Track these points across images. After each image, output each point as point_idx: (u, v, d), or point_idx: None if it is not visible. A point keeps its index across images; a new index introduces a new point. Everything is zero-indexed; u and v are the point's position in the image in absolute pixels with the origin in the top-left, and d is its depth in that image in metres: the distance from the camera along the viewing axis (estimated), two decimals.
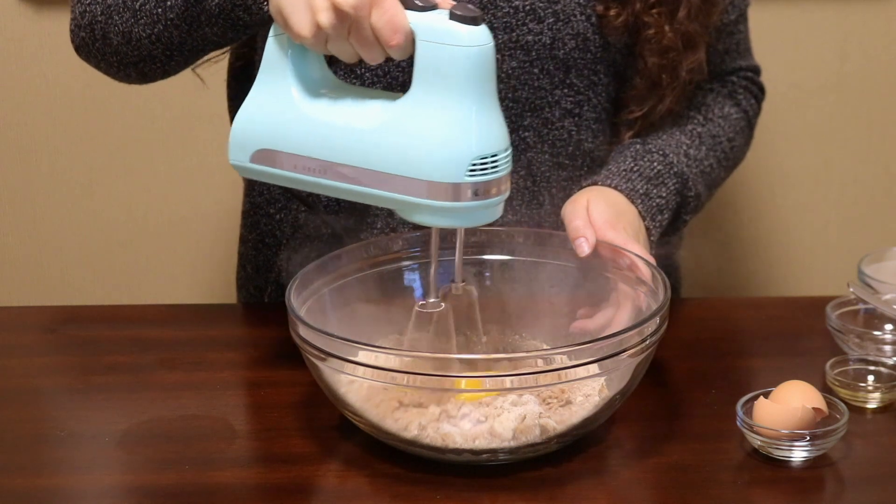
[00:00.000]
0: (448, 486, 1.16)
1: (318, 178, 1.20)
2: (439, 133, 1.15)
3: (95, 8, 1.37)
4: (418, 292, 1.34)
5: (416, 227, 1.41)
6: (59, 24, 1.99)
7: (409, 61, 1.16)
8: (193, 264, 2.10)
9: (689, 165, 1.46)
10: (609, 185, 1.41)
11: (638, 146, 1.46)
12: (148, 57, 1.37)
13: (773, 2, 2.00)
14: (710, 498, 1.16)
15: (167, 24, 1.33)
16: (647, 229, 1.40)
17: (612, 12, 1.43)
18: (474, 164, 1.15)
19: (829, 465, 1.19)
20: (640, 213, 1.40)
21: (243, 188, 1.59)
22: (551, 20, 1.43)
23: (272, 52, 1.21)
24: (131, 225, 2.08)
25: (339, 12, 1.14)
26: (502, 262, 1.35)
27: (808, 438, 1.18)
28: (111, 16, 1.36)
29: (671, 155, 1.45)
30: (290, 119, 1.20)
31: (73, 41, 1.42)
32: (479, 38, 1.14)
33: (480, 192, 1.16)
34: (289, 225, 1.51)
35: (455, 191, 1.15)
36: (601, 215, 1.33)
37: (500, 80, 1.43)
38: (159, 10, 1.33)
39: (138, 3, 1.34)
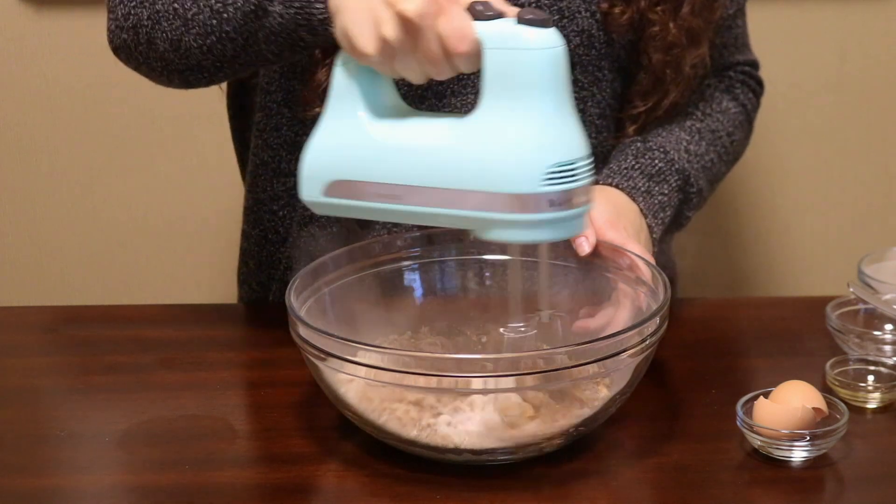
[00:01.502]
0: (448, 486, 1.16)
1: (395, 206, 1.16)
2: (513, 141, 1.11)
3: (141, 12, 1.34)
4: (418, 292, 1.34)
5: (418, 226, 1.41)
6: (59, 24, 2.00)
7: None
8: (193, 264, 2.10)
9: (690, 161, 1.47)
10: (610, 184, 1.41)
11: (638, 144, 1.46)
12: (196, 67, 1.34)
13: (773, 1, 2.00)
14: (710, 498, 1.16)
15: (221, 36, 1.30)
16: (649, 227, 1.40)
17: (617, 9, 1.43)
18: (551, 172, 1.10)
19: (829, 465, 1.19)
20: (641, 210, 1.40)
21: (245, 184, 1.58)
22: (556, 17, 1.43)
23: (340, 81, 1.18)
24: (131, 225, 2.08)
25: (404, 21, 1.11)
26: (502, 262, 1.35)
27: (808, 438, 1.18)
28: (159, 21, 1.33)
29: (672, 152, 1.46)
30: (364, 147, 1.16)
31: (111, 41, 1.39)
32: (551, 40, 1.11)
33: (559, 202, 1.11)
34: (292, 221, 1.51)
35: (531, 202, 1.11)
36: (601, 215, 1.33)
37: None
38: (214, 21, 1.30)
39: (191, 13, 1.31)
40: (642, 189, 1.42)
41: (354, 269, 1.31)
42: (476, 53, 1.12)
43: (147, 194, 2.07)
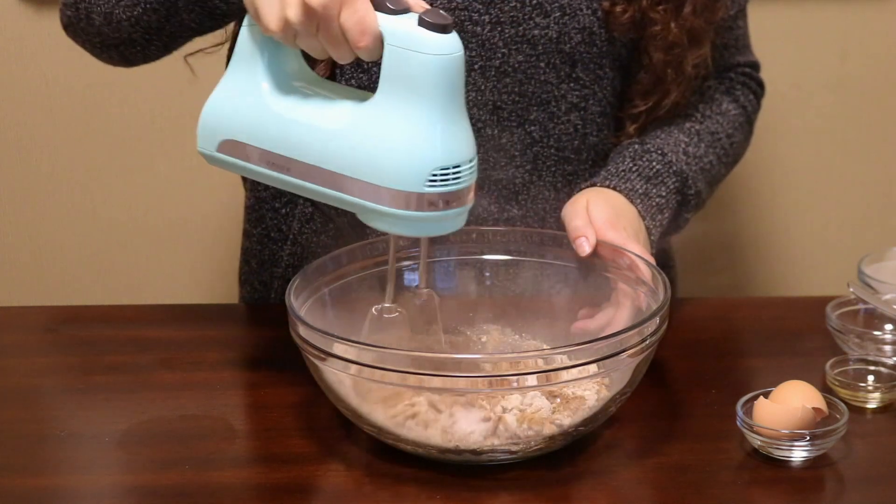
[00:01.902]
0: (448, 486, 1.16)
1: (281, 175, 1.19)
2: (401, 141, 1.14)
3: None
4: (412, 281, 1.34)
5: None
6: (59, 25, 1.99)
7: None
8: (194, 264, 2.10)
9: (689, 163, 1.47)
10: (608, 186, 1.41)
11: (636, 146, 1.46)
12: (128, 40, 1.38)
13: (773, 1, 2.00)
14: (710, 498, 1.16)
15: (146, 7, 1.34)
16: (648, 229, 1.40)
17: (619, 8, 1.44)
18: (434, 175, 1.13)
19: (829, 465, 1.19)
20: (639, 212, 1.40)
21: (246, 183, 1.58)
22: (557, 14, 1.43)
23: (245, 43, 1.20)
24: (131, 225, 2.08)
25: (307, 8, 1.13)
26: (502, 262, 1.35)
27: (808, 438, 1.18)
28: None
29: (670, 154, 1.46)
30: (258, 112, 1.19)
31: (61, 20, 1.43)
32: (448, 46, 1.12)
33: (441, 202, 1.14)
34: (295, 220, 1.51)
35: (416, 200, 1.14)
36: (601, 215, 1.33)
37: (506, 73, 1.43)
38: None
39: None
40: (640, 191, 1.42)
41: (354, 269, 1.31)
42: (377, 46, 1.14)
43: (147, 194, 2.07)
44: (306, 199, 1.49)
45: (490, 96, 1.44)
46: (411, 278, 1.33)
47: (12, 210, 2.07)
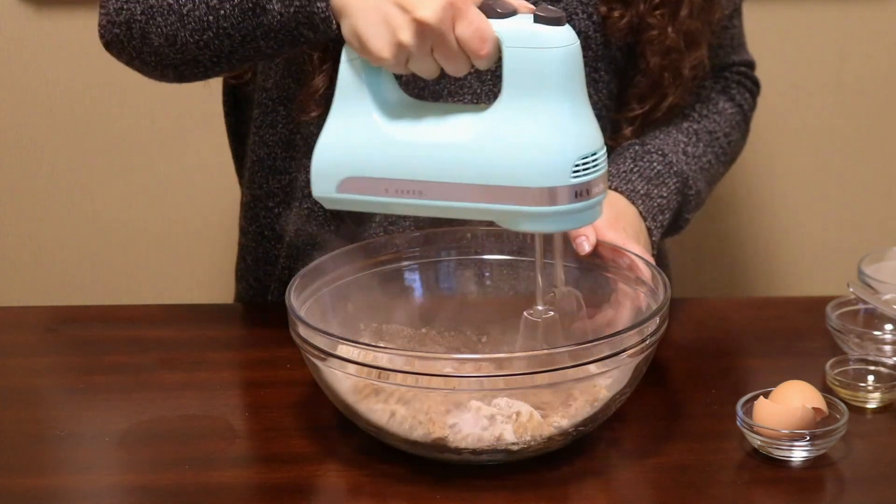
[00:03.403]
0: (448, 486, 1.16)
1: (414, 200, 1.18)
2: (540, 137, 1.14)
3: (135, 7, 1.32)
4: (418, 292, 1.34)
5: (417, 226, 1.41)
6: (59, 24, 2.00)
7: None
8: (193, 263, 2.10)
9: (689, 163, 1.47)
10: (609, 187, 1.41)
11: (637, 147, 1.46)
12: (192, 61, 1.33)
13: (772, 1, 2.00)
14: (710, 498, 1.16)
15: (218, 32, 1.29)
16: (649, 230, 1.40)
17: (616, 13, 1.43)
18: (577, 165, 1.14)
19: (829, 465, 1.19)
20: (640, 213, 1.40)
21: (243, 180, 1.58)
22: None
23: (346, 78, 1.18)
24: (131, 225, 2.08)
25: (422, 27, 1.12)
26: (502, 262, 1.35)
27: (808, 438, 1.18)
28: (153, 16, 1.31)
29: (670, 154, 1.46)
30: (377, 143, 1.18)
31: (102, 36, 1.37)
32: (566, 38, 1.13)
33: (581, 192, 1.15)
34: (289, 218, 1.51)
35: (559, 194, 1.14)
36: (601, 216, 1.33)
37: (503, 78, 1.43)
38: (211, 17, 1.28)
39: (186, 9, 1.29)
40: (641, 192, 1.42)
41: (354, 269, 1.31)
42: (495, 53, 1.14)
43: (147, 194, 2.07)
44: (304, 199, 1.49)
45: (486, 101, 1.44)
46: (411, 278, 1.33)
47: (12, 210, 2.07)
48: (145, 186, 2.07)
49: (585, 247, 1.30)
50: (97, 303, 2.03)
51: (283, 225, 1.52)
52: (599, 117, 1.48)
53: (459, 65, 1.15)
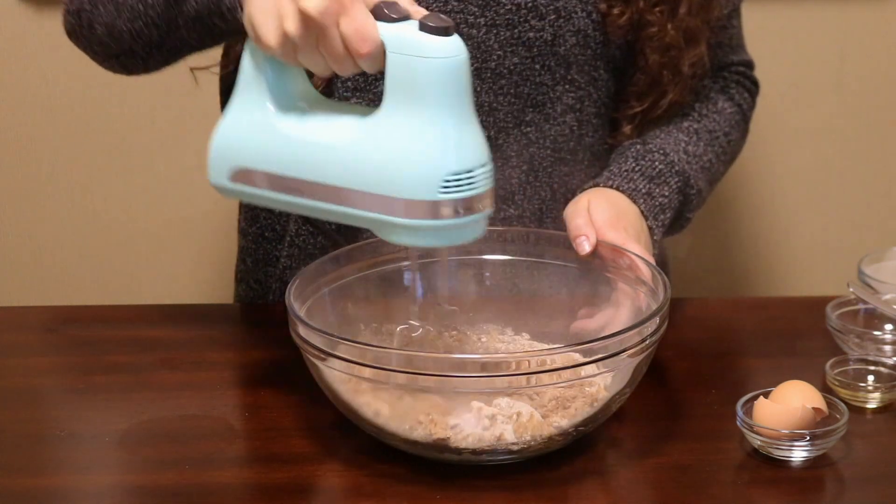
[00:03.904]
0: (448, 486, 1.16)
1: (295, 198, 1.17)
2: (411, 148, 1.12)
3: None
4: (419, 292, 1.34)
5: None
6: (59, 24, 1.98)
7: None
8: (194, 263, 2.10)
9: (690, 162, 1.47)
10: (610, 186, 1.41)
11: (638, 146, 1.46)
12: (129, 51, 1.37)
13: (773, 1, 2.00)
14: (710, 498, 1.16)
15: (147, 21, 1.33)
16: (650, 229, 1.40)
17: (616, 10, 1.44)
18: (448, 181, 1.11)
19: (829, 465, 1.19)
20: (642, 212, 1.40)
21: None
22: (553, 17, 1.43)
23: (248, 67, 1.18)
24: (131, 225, 2.08)
25: (305, 19, 1.11)
26: (502, 262, 1.35)
27: (808, 438, 1.18)
28: (97, 6, 1.36)
29: (672, 153, 1.46)
30: (266, 136, 1.17)
31: (64, 26, 1.43)
32: (451, 49, 1.10)
33: (458, 209, 1.12)
34: (289, 219, 1.51)
35: (431, 208, 1.11)
36: (602, 215, 1.33)
37: (502, 76, 1.43)
38: (140, 6, 1.33)
39: None
40: (643, 191, 1.42)
41: (354, 269, 1.31)
42: (379, 55, 1.12)
43: (146, 194, 2.07)
44: None
45: (486, 98, 1.44)
46: (411, 278, 1.33)
47: (12, 210, 2.07)
48: (145, 186, 2.07)
49: (585, 247, 1.30)
50: (97, 303, 2.03)
51: (284, 226, 1.52)
52: (599, 115, 1.50)
53: (344, 64, 1.13)
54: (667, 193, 1.44)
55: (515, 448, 1.16)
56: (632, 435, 1.24)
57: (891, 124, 2.08)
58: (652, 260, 1.31)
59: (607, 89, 1.49)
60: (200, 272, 2.10)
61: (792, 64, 2.03)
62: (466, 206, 1.12)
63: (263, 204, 1.21)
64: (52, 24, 1.99)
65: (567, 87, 1.46)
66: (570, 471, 1.18)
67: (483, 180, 1.13)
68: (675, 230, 1.50)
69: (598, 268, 1.31)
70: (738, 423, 1.20)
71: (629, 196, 1.41)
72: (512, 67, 1.44)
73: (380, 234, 1.16)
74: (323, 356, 1.17)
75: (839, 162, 2.09)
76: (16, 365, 1.41)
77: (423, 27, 1.10)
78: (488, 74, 1.43)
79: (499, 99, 1.44)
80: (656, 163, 1.44)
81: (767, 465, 1.19)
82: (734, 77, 1.59)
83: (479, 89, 1.43)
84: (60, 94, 2.02)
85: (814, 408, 1.19)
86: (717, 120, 1.53)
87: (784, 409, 1.18)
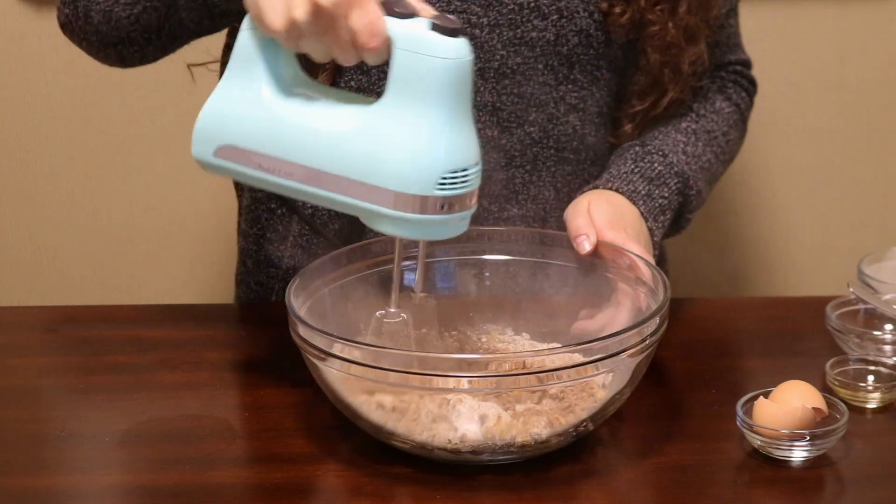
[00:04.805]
0: (448, 486, 1.16)
1: (282, 180, 1.18)
2: (410, 144, 1.13)
3: None
4: (405, 281, 1.33)
5: None
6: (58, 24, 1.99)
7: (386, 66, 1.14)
8: (194, 264, 2.10)
9: (689, 163, 1.47)
10: (610, 188, 1.41)
11: (637, 148, 1.46)
12: (126, 39, 1.37)
13: (773, 1, 2.00)
14: (710, 498, 1.16)
15: (145, 6, 1.33)
16: (650, 230, 1.40)
17: (617, 9, 1.44)
18: (444, 178, 1.13)
19: (829, 465, 1.19)
20: (642, 214, 1.40)
21: (240, 185, 1.58)
22: (555, 17, 1.43)
23: (244, 46, 1.19)
24: (131, 225, 2.08)
25: (316, 8, 1.12)
26: (502, 262, 1.35)
27: (808, 438, 1.18)
28: None
29: (671, 155, 1.46)
30: (259, 116, 1.18)
31: (58, 18, 1.42)
32: (458, 50, 1.12)
33: (448, 206, 1.14)
34: (291, 220, 1.51)
35: (422, 203, 1.14)
36: (602, 216, 1.33)
37: (505, 75, 1.43)
38: None
39: None
40: (643, 192, 1.42)
41: (354, 269, 1.31)
42: (384, 50, 1.13)
43: (147, 194, 2.07)
44: (306, 202, 1.49)
45: (489, 98, 1.44)
46: (411, 278, 1.33)
47: (12, 210, 2.07)
48: (145, 186, 2.07)
49: (585, 246, 1.30)
50: (97, 303, 2.03)
51: (285, 226, 1.52)
52: (601, 114, 1.50)
53: (348, 55, 1.14)
54: (666, 195, 1.44)
55: (515, 448, 1.16)
56: (632, 435, 1.24)
57: (891, 124, 2.08)
58: (652, 260, 1.31)
59: (609, 89, 1.49)
60: (200, 272, 2.10)
61: (792, 64, 2.03)
62: (456, 203, 1.15)
63: (246, 182, 1.22)
64: (52, 24, 1.97)
65: (570, 86, 1.46)
66: (570, 471, 1.18)
67: (474, 179, 1.16)
68: (675, 231, 1.50)
69: (598, 268, 1.31)
70: (738, 423, 1.20)
71: (629, 198, 1.41)
72: (515, 67, 1.44)
73: (367, 223, 1.18)
74: (323, 356, 1.17)
75: (839, 162, 2.09)
76: (16, 365, 1.41)
77: (434, 27, 1.12)
78: (491, 74, 1.43)
79: (502, 98, 1.45)
80: (655, 164, 1.44)
81: (767, 465, 1.19)
82: (731, 76, 1.59)
83: (482, 89, 1.43)
84: (60, 94, 2.02)
85: (814, 408, 1.19)
86: (715, 120, 1.53)
87: (784, 409, 1.18)
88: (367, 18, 1.12)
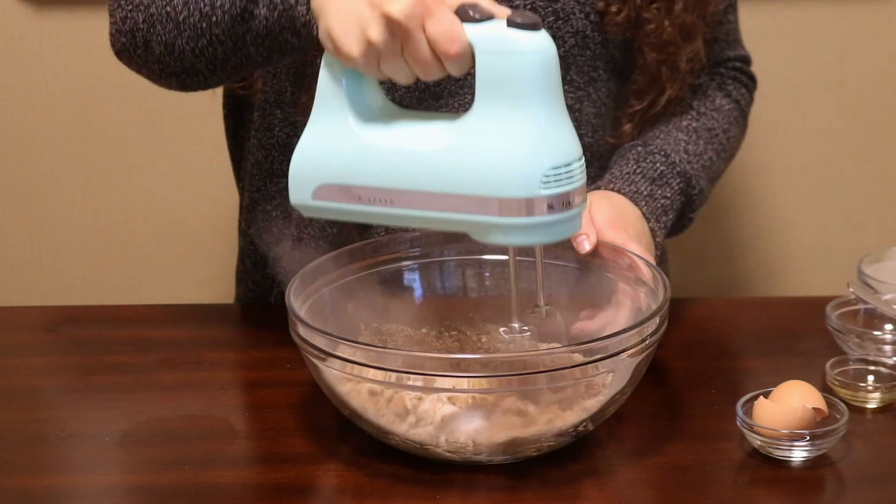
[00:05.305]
0: (448, 486, 1.16)
1: (386, 209, 1.15)
2: (508, 146, 1.10)
3: (137, 15, 1.34)
4: (418, 292, 1.34)
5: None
6: (59, 24, 2.00)
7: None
8: (193, 263, 2.10)
9: (691, 162, 1.47)
10: (612, 189, 1.41)
11: (639, 148, 1.46)
12: (190, 69, 1.34)
13: (772, 1, 2.00)
14: (710, 498, 1.16)
15: (211, 39, 1.30)
16: (652, 231, 1.40)
17: (614, 8, 1.44)
18: (548, 176, 1.10)
19: (829, 465, 1.19)
20: (644, 214, 1.40)
21: (242, 182, 1.58)
22: (551, 19, 1.43)
23: (326, 83, 1.16)
24: (131, 225, 2.08)
25: (390, 23, 1.09)
26: (502, 262, 1.35)
27: (808, 438, 1.18)
28: (154, 25, 1.33)
29: (672, 154, 1.46)
30: (352, 149, 1.15)
31: (113, 45, 1.39)
32: (541, 43, 1.10)
33: (556, 204, 1.11)
34: (290, 221, 1.51)
35: (529, 205, 1.10)
36: (602, 216, 1.33)
37: None
38: (203, 24, 1.29)
39: (182, 16, 1.31)
40: (645, 193, 1.42)
41: (354, 269, 1.31)
42: (467, 56, 1.11)
43: (147, 194, 2.07)
44: None
45: None
46: (411, 278, 1.33)
47: (12, 210, 2.07)
48: (145, 186, 2.07)
49: (586, 246, 1.30)
50: (97, 303, 2.03)
51: (282, 227, 1.52)
52: (599, 115, 1.50)
53: (430, 68, 1.12)
54: (669, 195, 1.44)
55: (515, 448, 1.16)
56: (632, 435, 1.24)
57: (891, 124, 2.08)
58: (652, 260, 1.31)
59: (607, 90, 1.49)
60: (201, 272, 2.10)
61: (792, 64, 2.03)
62: (566, 201, 1.11)
63: (348, 219, 1.19)
64: (52, 24, 1.99)
65: (566, 87, 1.46)
66: (570, 471, 1.18)
67: (579, 174, 1.13)
68: (678, 230, 1.50)
69: (598, 268, 1.31)
70: (738, 423, 1.20)
71: (631, 198, 1.41)
72: None
73: (476, 237, 1.14)
74: (323, 356, 1.17)
75: (839, 162, 2.09)
76: (16, 365, 1.41)
77: (512, 24, 1.09)
78: None
79: None
80: (657, 164, 1.44)
81: (767, 465, 1.19)
82: (731, 73, 1.59)
83: None
84: (60, 94, 2.02)
85: (814, 408, 1.19)
86: (715, 117, 1.53)
87: (784, 409, 1.18)
88: (443, 25, 1.09)
